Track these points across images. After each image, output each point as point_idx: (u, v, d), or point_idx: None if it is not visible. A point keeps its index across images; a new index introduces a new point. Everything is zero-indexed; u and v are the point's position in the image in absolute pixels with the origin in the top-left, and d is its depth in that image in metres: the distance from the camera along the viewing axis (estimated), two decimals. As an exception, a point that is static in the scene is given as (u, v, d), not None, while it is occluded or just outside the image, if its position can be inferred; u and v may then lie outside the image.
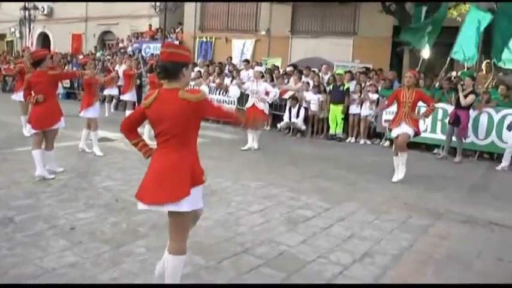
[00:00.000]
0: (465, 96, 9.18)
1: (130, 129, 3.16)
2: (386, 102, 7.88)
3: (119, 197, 5.47)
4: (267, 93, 9.40)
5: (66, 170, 6.59)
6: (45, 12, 26.38)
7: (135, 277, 3.46)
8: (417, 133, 7.05)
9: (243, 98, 12.94)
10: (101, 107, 9.04)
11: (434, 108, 7.16)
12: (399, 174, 7.03)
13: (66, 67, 17.69)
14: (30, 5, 24.40)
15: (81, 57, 17.55)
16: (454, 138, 9.58)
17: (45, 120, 6.14)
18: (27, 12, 24.39)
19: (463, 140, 9.51)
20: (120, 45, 22.31)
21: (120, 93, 13.83)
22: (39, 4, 25.01)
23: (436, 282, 3.70)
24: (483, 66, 11.63)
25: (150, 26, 21.98)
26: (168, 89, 2.90)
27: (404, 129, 6.92)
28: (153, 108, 2.90)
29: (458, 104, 9.35)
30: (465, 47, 10.76)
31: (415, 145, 9.95)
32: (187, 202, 2.86)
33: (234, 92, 13.09)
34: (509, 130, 9.06)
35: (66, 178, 6.25)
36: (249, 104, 9.50)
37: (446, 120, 9.87)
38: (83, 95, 8.40)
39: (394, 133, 7.17)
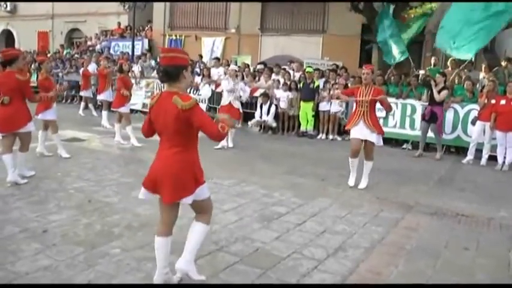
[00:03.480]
0: (438, 92, 9.27)
1: (149, 132, 3.30)
2: (339, 91, 7.84)
3: (92, 198, 5.41)
4: (239, 92, 9.46)
5: (36, 172, 6.44)
6: (8, 8, 25.58)
7: (111, 278, 3.44)
8: (381, 134, 6.55)
9: (214, 96, 12.96)
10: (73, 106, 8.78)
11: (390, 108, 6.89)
12: (362, 183, 6.55)
13: (32, 65, 17.25)
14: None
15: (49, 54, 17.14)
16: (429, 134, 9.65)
17: (12, 122, 5.82)
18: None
19: (441, 136, 9.61)
20: (89, 43, 21.90)
21: (94, 94, 13.66)
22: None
23: (407, 272, 3.82)
24: (449, 63, 11.97)
25: (119, 23, 21.62)
26: (168, 91, 3.08)
27: (366, 134, 6.38)
28: (154, 108, 3.12)
29: (432, 100, 9.36)
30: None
31: (385, 140, 10.12)
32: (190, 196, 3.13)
33: (206, 91, 13.08)
34: (473, 124, 9.34)
35: (36, 180, 6.12)
36: (224, 103, 9.45)
37: (415, 116, 10.10)
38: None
39: (354, 134, 6.52)
